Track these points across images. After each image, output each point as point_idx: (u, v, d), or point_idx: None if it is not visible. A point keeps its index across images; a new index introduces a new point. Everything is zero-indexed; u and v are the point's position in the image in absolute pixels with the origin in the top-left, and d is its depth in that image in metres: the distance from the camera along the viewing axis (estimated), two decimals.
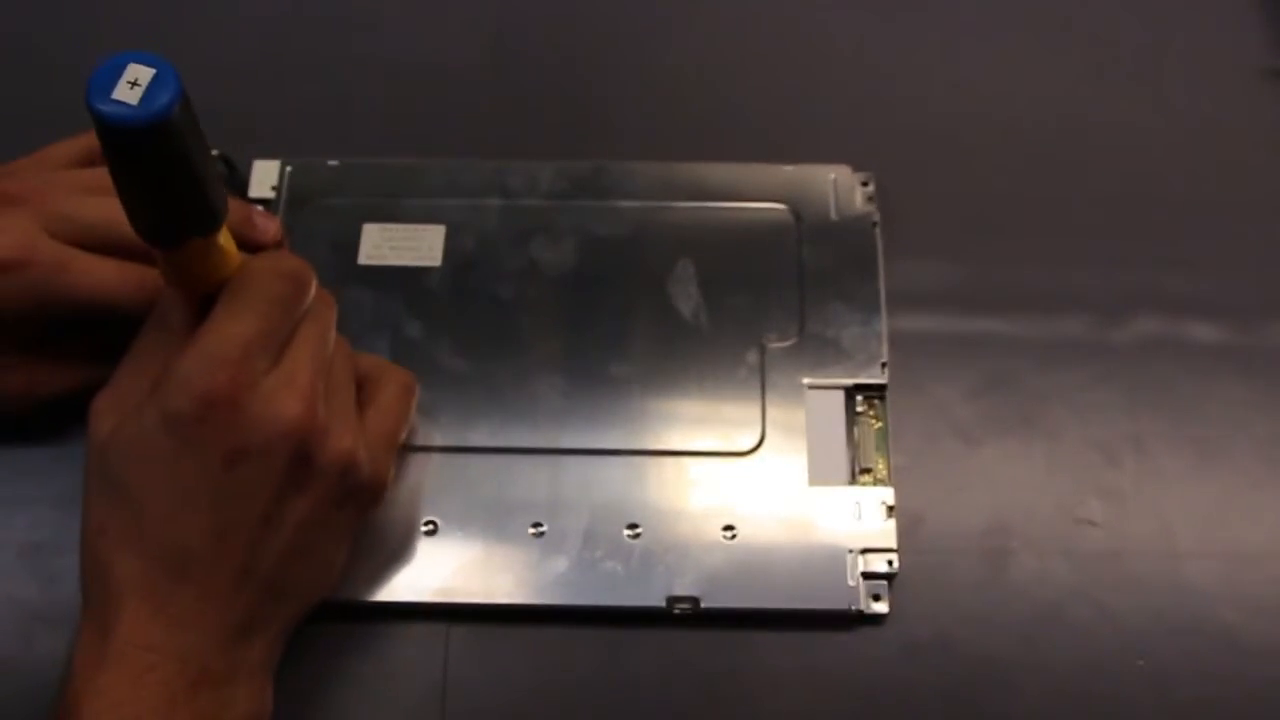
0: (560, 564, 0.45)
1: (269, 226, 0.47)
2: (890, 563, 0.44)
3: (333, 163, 0.52)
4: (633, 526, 0.45)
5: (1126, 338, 0.49)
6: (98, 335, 0.44)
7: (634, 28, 0.57)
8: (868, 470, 0.46)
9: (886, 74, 0.55)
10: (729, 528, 0.45)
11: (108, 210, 0.41)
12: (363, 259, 0.50)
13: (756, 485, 0.46)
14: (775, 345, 0.48)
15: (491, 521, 0.45)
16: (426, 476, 0.46)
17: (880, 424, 0.47)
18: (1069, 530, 0.46)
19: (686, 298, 0.49)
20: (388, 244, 0.50)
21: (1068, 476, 0.47)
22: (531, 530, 0.45)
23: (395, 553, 0.45)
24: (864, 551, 0.44)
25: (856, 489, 0.46)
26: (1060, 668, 0.44)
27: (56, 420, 0.46)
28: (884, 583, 0.44)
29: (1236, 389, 0.48)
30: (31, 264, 0.41)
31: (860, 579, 0.44)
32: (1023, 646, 0.44)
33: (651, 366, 0.48)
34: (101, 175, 0.43)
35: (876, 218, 0.50)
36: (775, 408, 0.47)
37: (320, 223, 0.51)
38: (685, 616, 0.44)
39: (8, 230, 0.41)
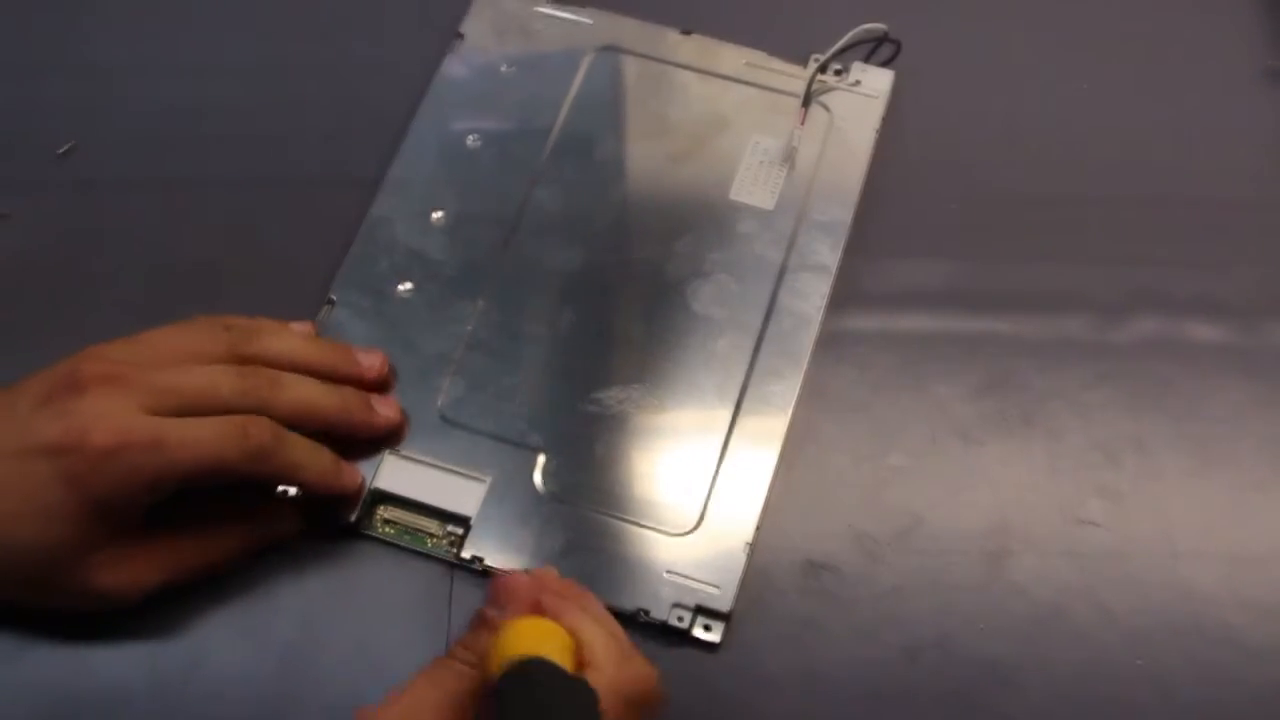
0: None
1: (372, 363, 0.47)
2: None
3: None
4: None
5: (1127, 337, 0.49)
6: (207, 518, 0.43)
7: None
8: None
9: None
10: None
11: (209, 377, 0.41)
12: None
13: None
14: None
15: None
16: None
17: None
18: (1070, 531, 0.46)
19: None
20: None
21: (1068, 477, 0.47)
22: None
23: None
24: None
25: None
26: (1061, 668, 0.44)
27: None
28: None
29: (1237, 389, 0.48)
30: (127, 446, 0.39)
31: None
32: (1023, 647, 0.44)
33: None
34: (201, 344, 0.43)
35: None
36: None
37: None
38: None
39: (103, 415, 0.39)
